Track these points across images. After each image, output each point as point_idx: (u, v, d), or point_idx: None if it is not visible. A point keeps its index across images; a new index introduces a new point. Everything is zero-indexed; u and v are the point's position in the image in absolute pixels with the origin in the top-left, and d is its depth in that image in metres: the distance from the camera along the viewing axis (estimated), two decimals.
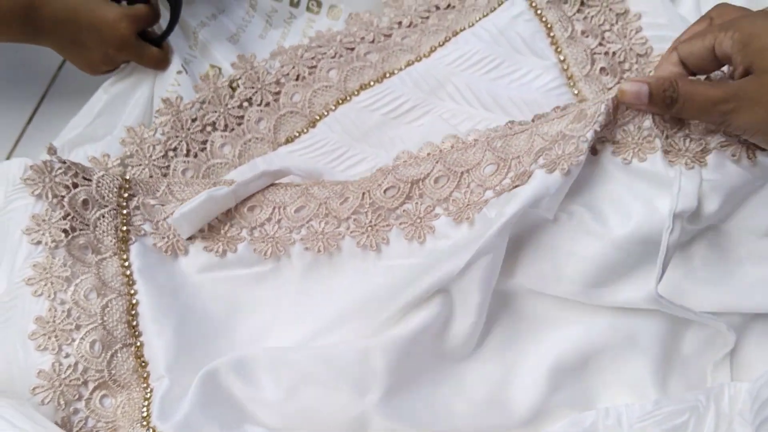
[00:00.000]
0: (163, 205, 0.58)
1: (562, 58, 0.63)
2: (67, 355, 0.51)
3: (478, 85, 0.62)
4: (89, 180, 0.56)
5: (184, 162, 0.62)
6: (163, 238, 0.57)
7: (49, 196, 0.54)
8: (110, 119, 0.65)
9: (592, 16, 0.64)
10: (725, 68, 0.53)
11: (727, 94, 0.48)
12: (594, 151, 0.54)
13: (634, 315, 0.54)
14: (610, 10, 0.64)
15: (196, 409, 0.49)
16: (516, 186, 0.52)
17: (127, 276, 0.54)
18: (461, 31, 0.66)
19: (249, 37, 0.73)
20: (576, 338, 0.54)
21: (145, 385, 0.52)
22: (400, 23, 0.69)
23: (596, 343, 0.54)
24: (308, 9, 0.74)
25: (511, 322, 0.55)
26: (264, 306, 0.55)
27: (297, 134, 0.65)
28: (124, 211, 0.57)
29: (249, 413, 0.50)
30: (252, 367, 0.50)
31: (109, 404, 0.51)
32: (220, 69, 0.68)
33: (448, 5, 0.69)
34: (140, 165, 0.62)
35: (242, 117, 0.65)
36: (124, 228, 0.56)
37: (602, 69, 0.62)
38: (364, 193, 0.56)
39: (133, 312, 0.53)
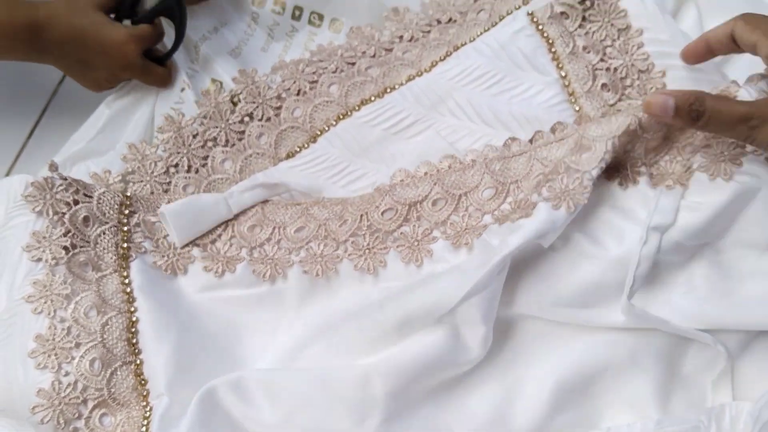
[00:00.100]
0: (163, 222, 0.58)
1: (563, 74, 0.63)
2: (67, 374, 0.51)
3: (479, 101, 0.62)
4: (90, 197, 0.56)
5: (186, 178, 0.63)
6: (163, 256, 0.57)
7: (50, 212, 0.55)
8: (112, 135, 0.65)
9: (594, 32, 0.64)
10: (751, 90, 0.54)
11: (753, 111, 0.50)
12: None
13: (634, 334, 0.54)
14: (612, 25, 0.64)
15: (195, 428, 0.49)
16: (520, 217, 0.52)
17: (128, 293, 0.54)
18: (462, 45, 0.65)
19: (251, 50, 0.73)
20: (577, 358, 0.54)
21: (144, 403, 0.52)
22: (401, 37, 0.69)
23: (597, 362, 0.54)
24: (310, 22, 0.74)
25: (511, 343, 0.55)
26: (262, 326, 0.56)
27: (298, 149, 0.65)
28: (125, 228, 0.57)
29: None
30: (251, 388, 0.51)
31: (109, 423, 0.52)
32: (221, 83, 0.68)
33: (450, 19, 0.69)
34: (142, 181, 0.62)
35: (243, 132, 0.65)
36: (125, 245, 0.56)
37: (603, 85, 0.62)
38: (362, 215, 0.56)
39: (133, 329, 0.53)
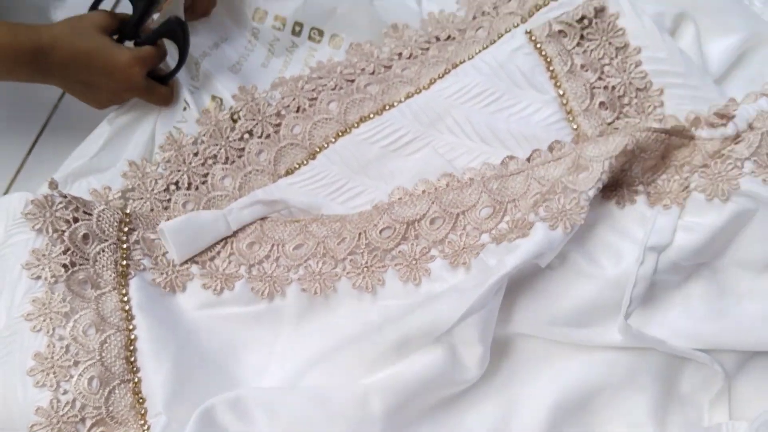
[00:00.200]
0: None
1: (561, 92, 0.63)
2: (65, 392, 0.52)
3: (477, 119, 0.62)
4: (90, 214, 0.56)
5: (185, 195, 0.63)
6: (162, 273, 0.57)
7: (50, 230, 0.55)
8: (114, 151, 0.65)
9: (592, 50, 0.64)
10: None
11: None
12: None
13: (631, 353, 0.55)
14: (610, 43, 0.64)
15: None
16: (517, 237, 0.52)
17: (126, 311, 0.55)
18: (461, 63, 0.66)
19: (251, 65, 0.74)
20: (574, 377, 0.55)
21: (142, 421, 0.52)
22: (400, 54, 0.70)
23: (595, 381, 0.55)
24: (310, 38, 0.74)
25: (508, 362, 0.56)
26: (260, 344, 0.56)
27: (297, 166, 0.65)
28: (124, 246, 0.57)
29: None
30: (248, 407, 0.51)
31: None
32: (221, 100, 0.68)
33: (448, 37, 0.70)
34: (141, 198, 0.62)
35: (243, 149, 0.65)
36: (124, 262, 0.56)
37: (601, 103, 0.62)
38: (360, 234, 0.56)
39: (132, 347, 0.54)
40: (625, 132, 0.55)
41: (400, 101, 0.66)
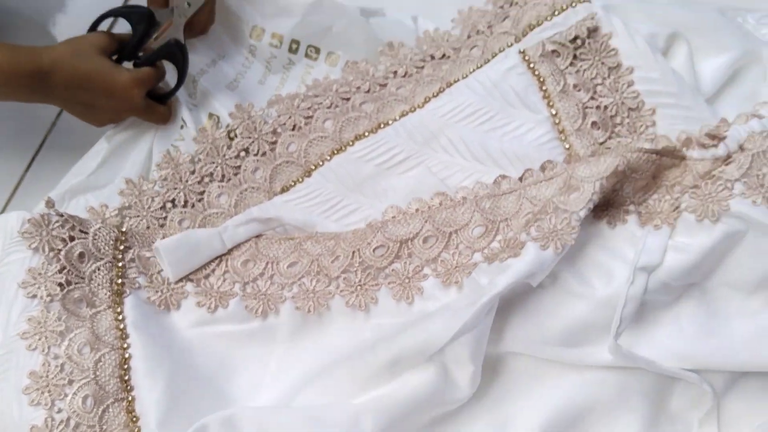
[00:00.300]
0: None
1: (554, 112, 0.63)
2: (60, 410, 0.52)
3: (470, 138, 0.63)
4: (86, 233, 0.57)
5: (182, 213, 0.63)
6: (157, 291, 0.57)
7: (46, 249, 0.55)
8: (112, 169, 0.66)
9: (585, 70, 0.65)
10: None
11: None
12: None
13: (622, 372, 0.55)
14: (603, 63, 0.64)
15: None
16: (509, 257, 0.53)
17: (121, 330, 0.55)
18: (455, 82, 0.66)
19: (248, 83, 0.74)
20: (565, 396, 0.55)
21: None
22: (395, 72, 0.70)
23: (586, 400, 0.55)
24: (307, 55, 0.75)
25: (500, 380, 0.56)
26: (254, 362, 0.56)
27: (292, 183, 0.66)
28: (120, 264, 0.58)
29: None
30: (241, 426, 0.51)
31: None
32: (218, 118, 0.69)
33: (443, 55, 0.70)
34: (138, 216, 0.63)
35: (239, 167, 0.66)
36: (119, 281, 0.57)
37: (593, 123, 0.63)
38: (354, 252, 0.57)
39: (126, 366, 0.54)
40: (616, 153, 0.56)
41: (395, 119, 0.66)
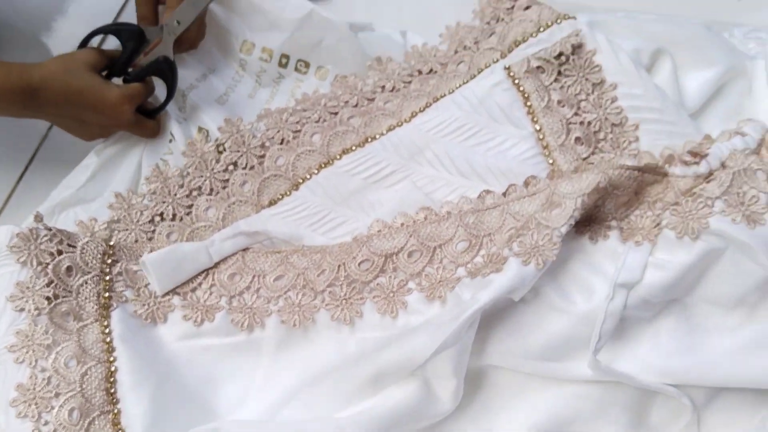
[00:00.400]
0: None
1: (538, 127, 0.64)
2: (46, 423, 0.53)
3: (456, 152, 0.64)
4: (74, 247, 0.58)
5: (170, 226, 0.64)
6: (144, 305, 0.58)
7: (34, 263, 0.56)
8: (101, 182, 0.67)
9: (569, 86, 0.65)
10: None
11: None
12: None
13: (602, 386, 0.56)
14: (587, 80, 0.65)
15: None
16: (491, 272, 0.53)
17: (107, 343, 0.56)
18: (442, 97, 0.67)
19: (238, 96, 0.75)
20: (547, 409, 0.56)
21: None
22: (383, 87, 0.71)
23: (567, 413, 0.56)
24: (296, 69, 0.76)
25: (482, 393, 0.57)
26: (239, 376, 0.57)
27: (280, 197, 0.66)
28: (107, 278, 0.58)
29: None
30: None
31: None
32: (207, 132, 0.69)
33: (430, 70, 0.71)
34: (127, 229, 0.63)
35: (227, 180, 0.66)
36: (106, 294, 0.58)
37: (577, 139, 0.64)
38: (339, 266, 0.57)
39: (112, 379, 0.55)
40: (598, 169, 0.57)
41: (382, 134, 0.67)
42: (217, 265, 0.61)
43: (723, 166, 0.57)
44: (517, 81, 0.65)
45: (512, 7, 0.69)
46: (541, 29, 0.67)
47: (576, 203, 0.54)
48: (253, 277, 0.60)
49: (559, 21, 0.67)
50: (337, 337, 0.57)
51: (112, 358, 0.55)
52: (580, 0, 0.75)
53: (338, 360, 0.55)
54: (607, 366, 0.53)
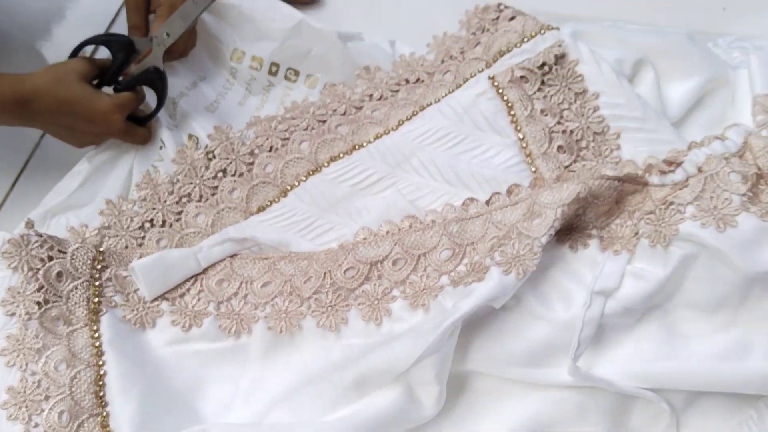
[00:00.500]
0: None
1: (521, 136, 0.65)
2: (37, 425, 0.54)
3: (441, 160, 0.65)
4: (64, 252, 0.59)
5: (160, 232, 0.65)
6: (133, 310, 0.59)
7: (25, 269, 0.57)
8: (92, 189, 0.68)
9: (552, 95, 0.66)
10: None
11: None
12: None
13: (583, 391, 0.57)
14: (569, 89, 0.66)
15: None
16: (473, 281, 0.55)
17: (97, 347, 0.57)
18: (428, 106, 0.68)
19: (228, 103, 0.76)
20: (528, 414, 0.57)
21: None
22: (371, 96, 0.72)
23: (548, 417, 0.57)
24: (286, 77, 0.77)
25: (465, 398, 0.58)
26: (226, 380, 0.58)
27: (268, 203, 0.67)
28: (97, 283, 0.59)
29: None
30: None
31: None
32: (197, 139, 0.70)
33: (417, 79, 0.72)
34: (117, 236, 0.64)
35: (216, 187, 0.67)
36: (96, 299, 0.59)
37: (559, 147, 0.65)
38: (325, 273, 0.58)
39: (101, 382, 0.56)
40: (578, 179, 0.58)
41: (370, 142, 0.68)
42: (205, 271, 0.62)
43: (699, 170, 0.58)
44: (501, 90, 0.66)
45: (497, 18, 0.71)
46: (525, 40, 0.68)
47: (556, 213, 0.56)
48: (241, 283, 0.61)
49: (542, 32, 0.68)
50: (323, 343, 0.58)
51: (101, 362, 0.56)
52: (566, 10, 0.76)
53: (324, 366, 0.57)
54: (587, 372, 0.54)
